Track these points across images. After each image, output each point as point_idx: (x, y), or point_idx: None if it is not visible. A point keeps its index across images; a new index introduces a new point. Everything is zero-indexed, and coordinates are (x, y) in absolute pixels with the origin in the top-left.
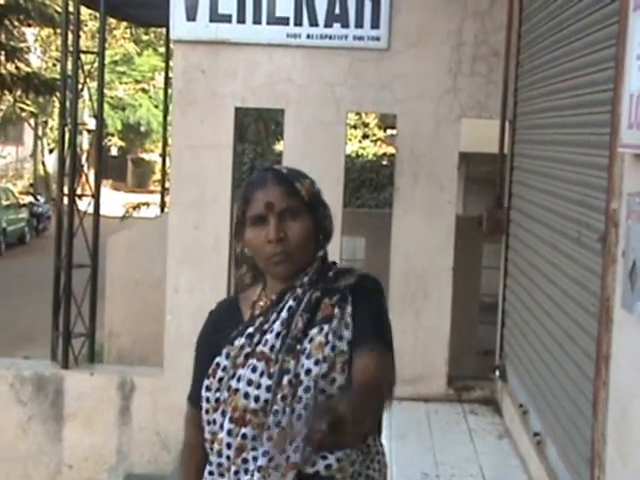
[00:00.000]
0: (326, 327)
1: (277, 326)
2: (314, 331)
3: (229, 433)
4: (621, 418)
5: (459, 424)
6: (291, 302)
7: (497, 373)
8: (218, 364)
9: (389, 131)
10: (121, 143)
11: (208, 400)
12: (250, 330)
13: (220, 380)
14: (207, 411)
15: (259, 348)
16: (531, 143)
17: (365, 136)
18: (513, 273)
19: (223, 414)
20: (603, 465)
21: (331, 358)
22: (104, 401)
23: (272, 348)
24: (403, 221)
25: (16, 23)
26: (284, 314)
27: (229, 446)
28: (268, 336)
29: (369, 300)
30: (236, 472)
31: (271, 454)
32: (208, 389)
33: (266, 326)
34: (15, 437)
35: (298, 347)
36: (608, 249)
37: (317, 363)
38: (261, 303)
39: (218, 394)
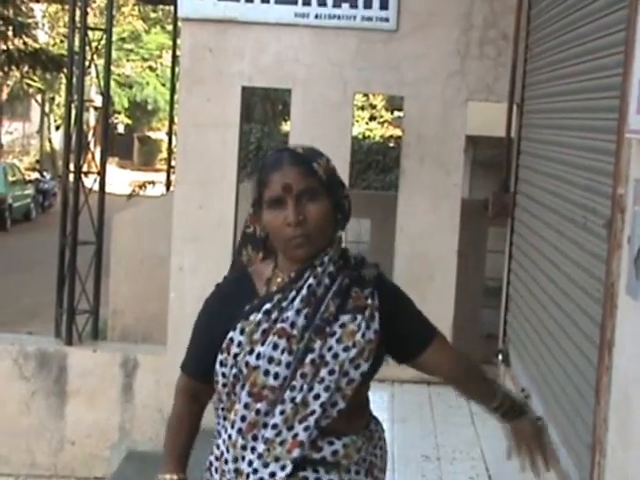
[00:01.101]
0: (359, 317)
1: (297, 303)
2: (346, 318)
3: (246, 406)
4: (624, 404)
5: (461, 407)
6: (311, 280)
7: (500, 357)
8: (232, 339)
9: (396, 113)
10: (128, 121)
11: (224, 375)
12: (268, 306)
13: (235, 356)
14: (224, 385)
15: (279, 325)
16: (539, 127)
17: (372, 118)
18: (518, 257)
19: (242, 387)
20: (604, 451)
21: (361, 344)
22: (107, 378)
23: (293, 325)
24: (409, 204)
25: None
26: (304, 292)
27: (243, 419)
28: (288, 313)
29: (398, 293)
30: (243, 447)
31: (279, 428)
32: (222, 364)
33: (284, 303)
34: (18, 412)
35: (327, 329)
36: (614, 235)
37: (346, 349)
38: (278, 280)
39: (235, 370)
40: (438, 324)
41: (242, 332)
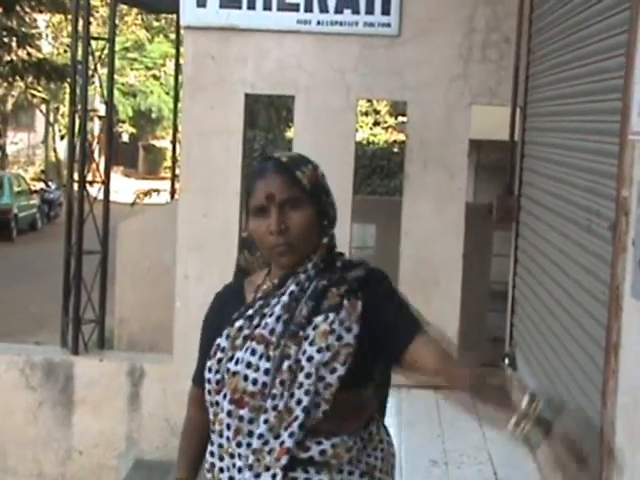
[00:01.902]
0: (332, 315)
1: (278, 310)
2: (319, 319)
3: (229, 414)
4: (631, 407)
5: (468, 412)
6: (293, 287)
7: (506, 361)
8: (218, 345)
9: (400, 118)
10: (132, 130)
11: (209, 381)
12: (250, 312)
13: (219, 361)
14: (209, 392)
15: (258, 331)
16: (542, 130)
17: (376, 123)
18: (523, 261)
19: (224, 396)
20: (612, 454)
21: (335, 347)
22: (114, 387)
23: (272, 331)
24: (413, 208)
25: (28, 9)
26: (285, 298)
27: (229, 427)
28: (268, 319)
29: (386, 291)
30: (232, 455)
31: (266, 437)
32: (209, 370)
33: (266, 309)
34: (25, 422)
35: (301, 333)
36: (618, 237)
37: (320, 351)
38: (264, 287)
39: (218, 375)
40: (444, 328)
41: (227, 338)
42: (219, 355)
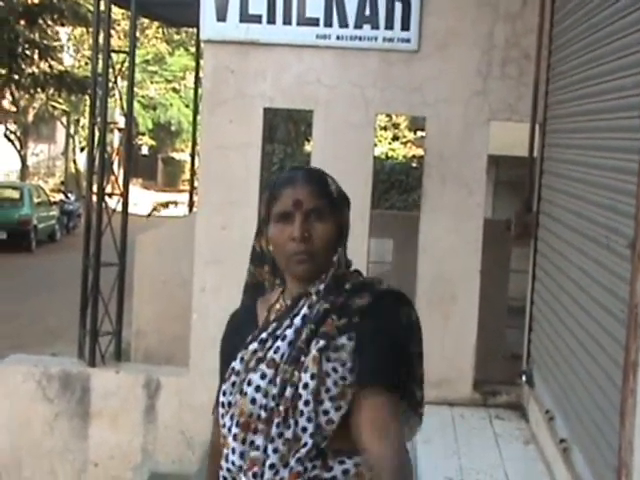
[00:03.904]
0: (322, 342)
1: (290, 333)
2: (312, 343)
3: (235, 438)
4: None
5: (485, 429)
6: (305, 309)
7: (524, 378)
8: (233, 368)
9: (419, 133)
10: (152, 142)
11: (223, 404)
12: (263, 335)
13: (233, 384)
14: (222, 415)
15: (270, 354)
16: (561, 147)
17: (395, 138)
18: (541, 277)
19: (232, 418)
20: (630, 474)
21: (326, 373)
22: (130, 399)
23: (282, 356)
24: (431, 224)
25: (50, 22)
26: (297, 321)
27: (234, 451)
28: (280, 343)
29: (379, 328)
30: None
31: (276, 467)
32: (224, 393)
33: (279, 332)
34: (42, 434)
35: (302, 359)
36: (637, 255)
37: (313, 377)
38: (277, 306)
39: (231, 397)
40: (461, 344)
41: (241, 361)
42: (233, 379)
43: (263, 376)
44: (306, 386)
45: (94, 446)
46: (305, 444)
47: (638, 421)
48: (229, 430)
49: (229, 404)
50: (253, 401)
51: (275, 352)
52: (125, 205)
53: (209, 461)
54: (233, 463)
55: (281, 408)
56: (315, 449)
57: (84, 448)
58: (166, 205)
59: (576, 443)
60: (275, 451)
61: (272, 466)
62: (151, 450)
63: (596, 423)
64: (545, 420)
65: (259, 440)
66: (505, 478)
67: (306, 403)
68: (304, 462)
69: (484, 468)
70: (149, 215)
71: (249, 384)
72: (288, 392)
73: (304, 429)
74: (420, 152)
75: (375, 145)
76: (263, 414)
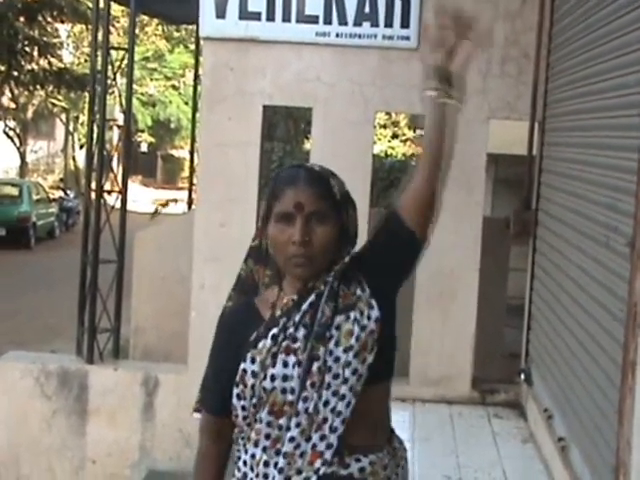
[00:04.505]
0: (352, 314)
1: (297, 318)
2: (340, 318)
3: (269, 424)
4: None
5: (483, 427)
6: (313, 297)
7: (522, 376)
8: (245, 370)
9: (419, 131)
10: (151, 139)
11: (244, 408)
12: (274, 331)
13: (252, 387)
14: (244, 417)
15: (284, 343)
16: (560, 145)
17: (395, 136)
18: (540, 276)
19: (262, 409)
20: (628, 473)
21: (362, 339)
22: (128, 397)
23: (295, 339)
24: None
25: (49, 19)
26: (305, 307)
27: (268, 437)
28: (291, 330)
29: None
30: (265, 463)
31: (297, 440)
32: (240, 397)
33: (290, 324)
34: (39, 431)
35: (327, 334)
36: (637, 254)
37: (346, 351)
38: (284, 302)
39: (254, 399)
40: (460, 342)
41: (253, 361)
42: (251, 381)
43: (285, 364)
44: (337, 360)
45: (92, 443)
46: (325, 419)
47: (636, 420)
48: (260, 420)
49: (254, 405)
50: (284, 391)
51: (293, 341)
52: (124, 202)
53: (199, 472)
54: (264, 449)
55: (307, 383)
56: (340, 424)
57: (82, 445)
58: (167, 204)
59: (574, 442)
60: (297, 425)
61: (292, 439)
62: (149, 447)
63: (594, 422)
64: (543, 419)
65: (289, 421)
66: (503, 476)
67: (335, 376)
68: (329, 442)
69: (482, 466)
70: (154, 215)
71: (273, 379)
72: (315, 367)
73: (326, 403)
74: (419, 150)
75: (374, 143)
76: (293, 397)
